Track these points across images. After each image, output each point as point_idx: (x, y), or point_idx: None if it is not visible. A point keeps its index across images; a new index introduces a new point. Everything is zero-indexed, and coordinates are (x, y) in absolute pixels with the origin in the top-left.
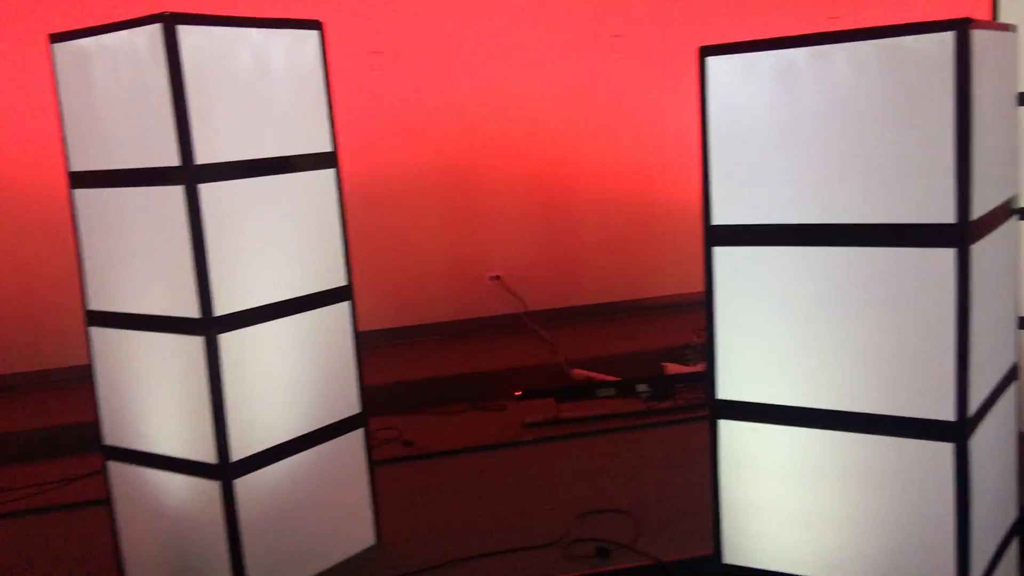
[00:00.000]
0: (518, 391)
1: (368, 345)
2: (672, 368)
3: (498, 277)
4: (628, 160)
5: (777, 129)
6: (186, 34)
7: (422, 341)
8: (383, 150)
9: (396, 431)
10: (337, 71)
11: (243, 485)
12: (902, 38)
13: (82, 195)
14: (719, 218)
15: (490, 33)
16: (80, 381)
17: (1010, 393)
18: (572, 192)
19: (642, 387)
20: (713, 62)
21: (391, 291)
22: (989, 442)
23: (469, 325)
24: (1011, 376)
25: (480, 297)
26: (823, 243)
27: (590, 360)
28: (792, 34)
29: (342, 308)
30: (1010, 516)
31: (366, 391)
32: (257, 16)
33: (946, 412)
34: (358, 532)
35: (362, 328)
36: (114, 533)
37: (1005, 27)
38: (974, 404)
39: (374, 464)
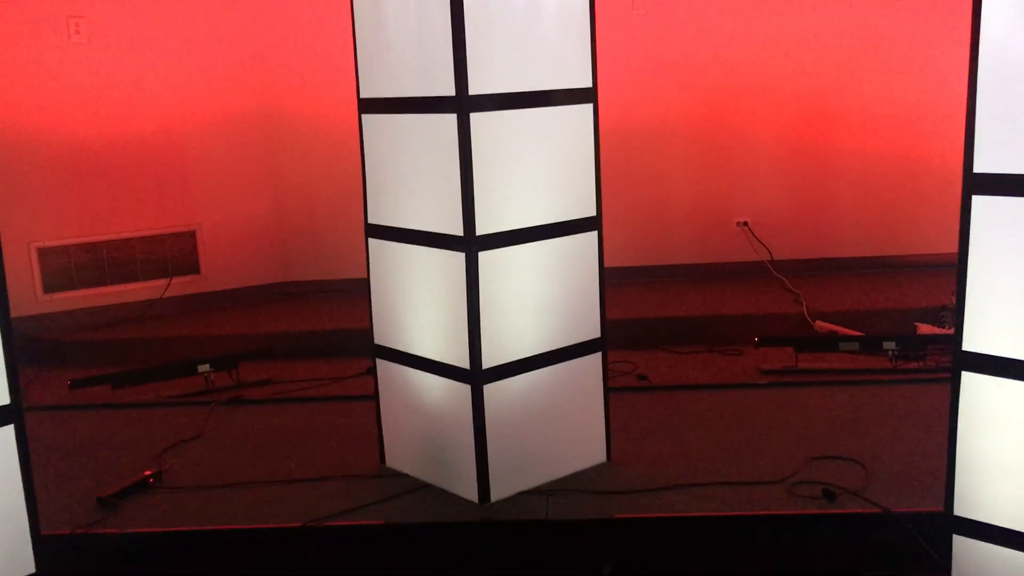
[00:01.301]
0: (757, 337)
1: (611, 281)
2: (925, 329)
3: (745, 223)
4: (899, 111)
5: None
6: None
7: (665, 281)
8: (640, 89)
9: (632, 365)
10: (600, 9)
11: (491, 391)
12: None
13: (369, 120)
14: (982, 165)
15: None
16: (349, 292)
17: None
18: (830, 141)
19: (889, 345)
20: (988, 2)
21: (638, 230)
22: None
23: (713, 269)
24: None
25: (726, 242)
26: None
27: (836, 314)
28: None
29: (590, 237)
30: None
31: (607, 323)
32: None
33: None
34: (590, 449)
35: (608, 264)
36: (378, 422)
37: None
38: None
39: (609, 388)
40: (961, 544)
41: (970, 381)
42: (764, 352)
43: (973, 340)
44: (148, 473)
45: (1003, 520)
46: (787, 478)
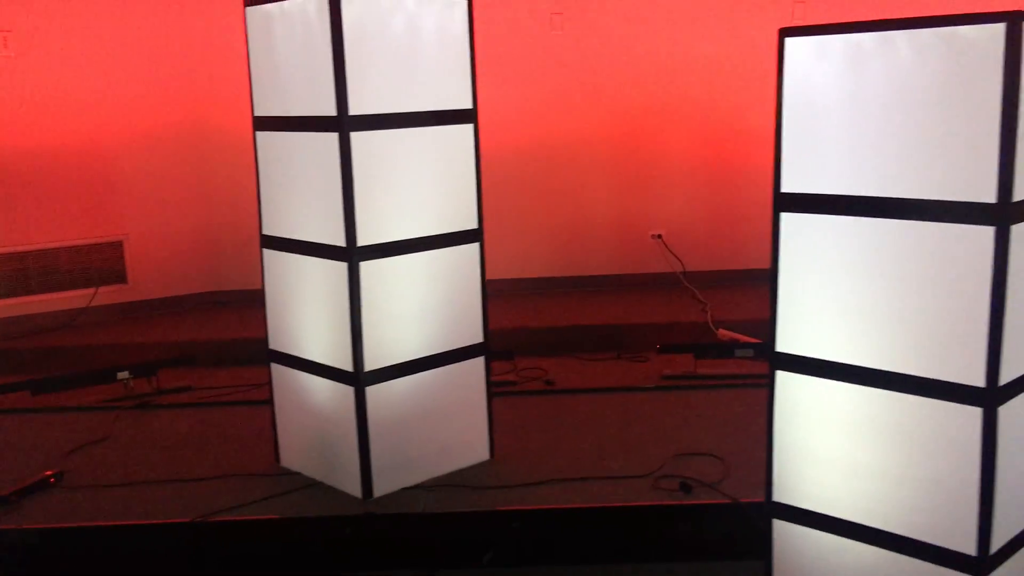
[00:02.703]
0: (659, 345)
1: (529, 291)
2: None
3: (659, 236)
4: None
5: (844, 107)
6: (348, 1)
7: (581, 292)
8: (559, 107)
9: (541, 371)
10: (520, 30)
11: (374, 392)
12: (959, 27)
13: (262, 137)
14: (787, 186)
15: None
16: (254, 303)
17: None
18: (739, 159)
19: None
20: (790, 43)
21: (557, 242)
22: None
23: (628, 280)
24: None
25: (641, 254)
26: (877, 214)
27: (740, 323)
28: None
29: (472, 248)
30: None
31: (517, 332)
32: None
33: (977, 378)
34: (473, 447)
35: (527, 275)
36: (273, 423)
37: None
38: (1007, 375)
39: (493, 389)
40: (779, 527)
41: (783, 379)
42: (668, 359)
43: (784, 342)
44: (49, 473)
45: (813, 504)
46: (652, 472)
